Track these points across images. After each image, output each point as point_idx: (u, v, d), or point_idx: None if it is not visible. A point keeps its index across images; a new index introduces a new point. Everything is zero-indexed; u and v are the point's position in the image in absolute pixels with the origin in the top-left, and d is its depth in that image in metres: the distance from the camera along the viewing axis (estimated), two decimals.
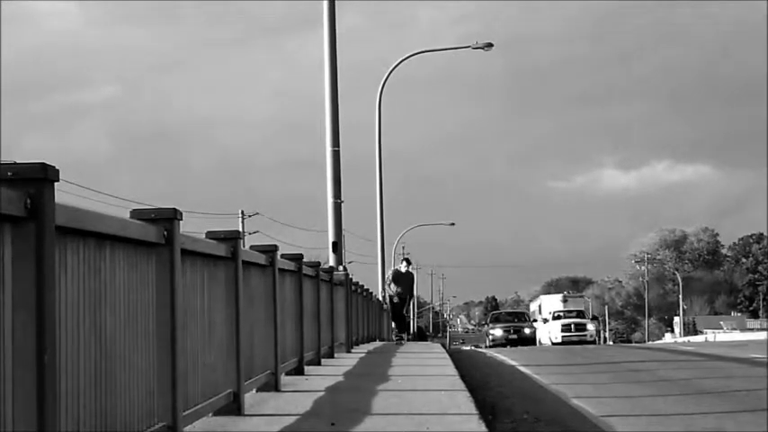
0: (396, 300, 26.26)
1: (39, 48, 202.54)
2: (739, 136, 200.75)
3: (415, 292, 28.64)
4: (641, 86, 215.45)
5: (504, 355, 22.10)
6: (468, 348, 43.88)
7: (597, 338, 55.88)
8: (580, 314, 57.83)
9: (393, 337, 28.22)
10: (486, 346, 47.85)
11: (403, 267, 26.57)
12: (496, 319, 54.45)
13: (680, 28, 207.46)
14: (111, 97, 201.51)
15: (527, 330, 50.22)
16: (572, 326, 53.75)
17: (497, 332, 49.69)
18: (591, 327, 54.97)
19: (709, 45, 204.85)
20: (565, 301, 70.03)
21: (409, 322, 29.19)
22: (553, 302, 69.49)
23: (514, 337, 48.54)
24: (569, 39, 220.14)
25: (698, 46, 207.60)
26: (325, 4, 21.92)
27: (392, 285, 26.18)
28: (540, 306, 71.06)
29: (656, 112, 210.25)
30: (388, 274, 27.28)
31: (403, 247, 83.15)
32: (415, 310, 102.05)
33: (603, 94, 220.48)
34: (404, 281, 26.12)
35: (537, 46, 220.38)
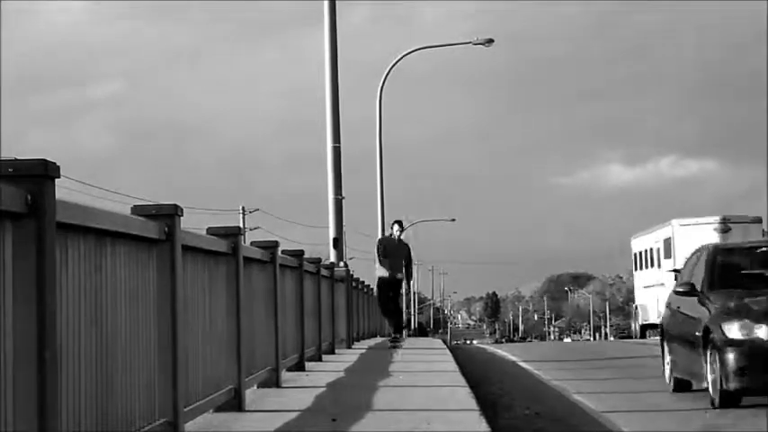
0: (387, 282, 17.94)
1: (44, 43, 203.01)
2: (745, 131, 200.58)
3: (413, 272, 19.39)
4: (646, 83, 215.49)
5: (504, 351, 22.11)
6: (470, 344, 43.25)
7: None
8: None
9: (387, 333, 20.69)
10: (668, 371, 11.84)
11: (395, 232, 18.28)
12: (733, 281, 10.66)
13: (685, 24, 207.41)
14: (117, 93, 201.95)
15: None
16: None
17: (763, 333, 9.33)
18: None
19: (716, 42, 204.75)
20: (725, 230, 31.59)
21: (409, 318, 21.18)
22: (702, 235, 28.83)
23: None
24: (575, 35, 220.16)
25: (704, 42, 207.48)
26: (326, 2, 21.91)
27: (381, 262, 17.91)
28: (669, 243, 31.87)
29: (661, 108, 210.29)
30: (377, 246, 18.60)
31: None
32: (416, 305, 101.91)
33: (608, 90, 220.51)
34: (396, 254, 17.89)
35: (542, 42, 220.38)
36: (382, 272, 17.76)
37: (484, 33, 51.30)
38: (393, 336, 18.12)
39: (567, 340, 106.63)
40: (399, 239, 18.17)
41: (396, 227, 18.34)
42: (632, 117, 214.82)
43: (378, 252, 17.96)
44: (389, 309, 18.31)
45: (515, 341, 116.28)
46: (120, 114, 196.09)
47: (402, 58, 33.09)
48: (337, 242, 21.89)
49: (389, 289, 18.00)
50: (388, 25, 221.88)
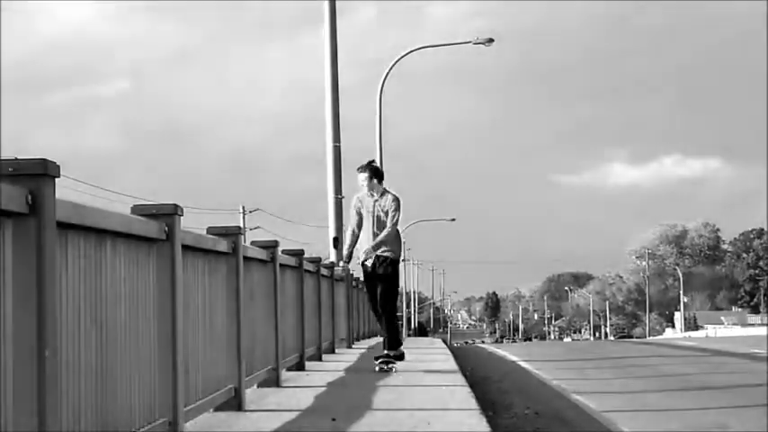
0: (365, 272, 11.67)
1: (50, 42, 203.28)
2: (750, 130, 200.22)
3: (402, 244, 12.14)
4: (649, 82, 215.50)
5: (504, 350, 22.11)
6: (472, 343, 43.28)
7: None
8: None
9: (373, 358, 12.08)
10: None
11: (365, 188, 11.53)
12: None
13: (689, 24, 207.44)
14: (119, 93, 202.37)
15: None
16: None
17: None
18: None
19: (718, 41, 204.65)
20: None
21: (396, 323, 11.93)
22: None
23: None
24: (579, 34, 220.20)
25: (706, 42, 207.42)
26: (326, 1, 21.89)
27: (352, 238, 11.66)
28: None
29: (665, 107, 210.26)
30: (351, 211, 11.79)
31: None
32: (416, 305, 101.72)
33: (611, 89, 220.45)
34: (371, 217, 11.51)
35: (545, 41, 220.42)
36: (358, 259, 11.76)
37: (490, 32, 51.31)
38: (386, 356, 11.70)
39: (568, 340, 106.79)
40: (383, 192, 11.54)
41: (363, 176, 11.52)
42: (636, 116, 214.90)
43: (356, 219, 11.63)
44: (376, 310, 11.80)
45: (530, 340, 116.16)
46: (122, 114, 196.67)
47: (402, 57, 33.07)
48: (337, 242, 21.88)
49: (370, 280, 11.67)
50: (395, 24, 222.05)
